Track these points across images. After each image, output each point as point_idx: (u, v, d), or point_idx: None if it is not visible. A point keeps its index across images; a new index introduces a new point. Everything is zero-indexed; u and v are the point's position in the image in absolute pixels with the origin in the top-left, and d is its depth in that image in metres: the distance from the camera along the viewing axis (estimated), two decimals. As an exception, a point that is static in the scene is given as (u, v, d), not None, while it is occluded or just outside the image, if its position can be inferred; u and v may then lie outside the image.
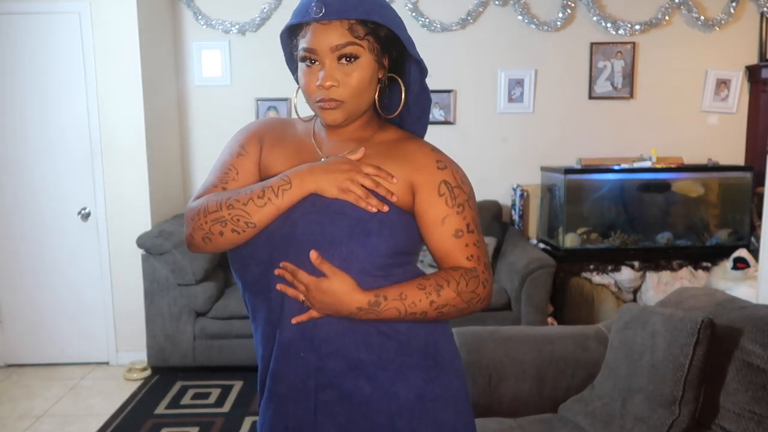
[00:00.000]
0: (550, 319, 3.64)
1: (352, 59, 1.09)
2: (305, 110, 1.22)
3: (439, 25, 4.12)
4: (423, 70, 1.18)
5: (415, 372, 1.12)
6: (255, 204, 1.10)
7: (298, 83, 1.17)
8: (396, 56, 1.17)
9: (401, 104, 1.18)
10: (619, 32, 4.16)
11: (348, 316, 1.08)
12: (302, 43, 1.11)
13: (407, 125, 1.23)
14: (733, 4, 4.15)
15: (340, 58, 1.09)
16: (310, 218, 1.10)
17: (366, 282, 1.08)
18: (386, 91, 1.19)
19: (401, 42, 1.13)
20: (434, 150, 1.17)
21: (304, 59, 1.11)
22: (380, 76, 1.15)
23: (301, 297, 1.09)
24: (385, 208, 1.09)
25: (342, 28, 1.07)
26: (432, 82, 4.35)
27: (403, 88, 1.17)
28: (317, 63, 1.10)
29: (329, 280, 1.06)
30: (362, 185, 1.09)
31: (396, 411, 1.10)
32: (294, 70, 1.20)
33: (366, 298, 1.07)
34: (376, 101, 1.16)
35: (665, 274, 3.85)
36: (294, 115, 1.31)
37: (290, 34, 1.19)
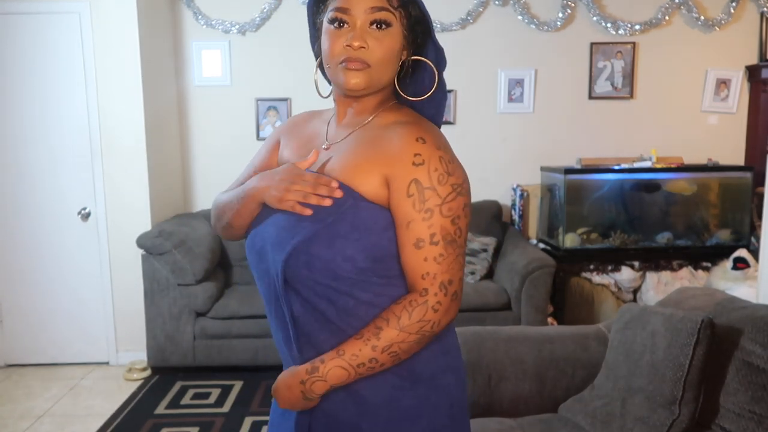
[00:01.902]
0: (550, 319, 3.64)
1: (384, 26, 1.05)
2: (324, 87, 1.19)
3: (439, 25, 4.12)
4: (441, 63, 1.12)
5: (386, 378, 1.07)
6: (230, 207, 1.16)
7: (317, 57, 1.14)
8: (420, 42, 1.12)
9: (435, 86, 1.11)
10: (619, 32, 4.16)
11: (307, 399, 1.05)
12: (334, 3, 1.07)
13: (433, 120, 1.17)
14: (733, 4, 4.15)
15: (372, 23, 1.05)
16: (277, 221, 1.08)
17: (337, 297, 1.04)
18: (409, 74, 1.14)
19: (427, 29, 1.10)
20: (419, 140, 1.03)
21: (333, 21, 1.07)
22: (403, 58, 1.11)
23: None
24: (307, 212, 1.03)
25: None
26: (432, 82, 4.19)
27: (436, 72, 1.11)
28: (347, 26, 1.06)
29: (276, 381, 1.09)
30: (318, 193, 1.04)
31: (362, 413, 1.08)
32: (315, 41, 1.16)
33: (303, 369, 1.05)
34: (396, 83, 1.12)
35: (665, 274, 3.85)
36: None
37: (317, 2, 1.15)
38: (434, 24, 4.06)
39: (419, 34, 1.11)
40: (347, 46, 1.05)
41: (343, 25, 1.06)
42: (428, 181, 1.01)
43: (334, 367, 1.03)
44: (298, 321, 1.08)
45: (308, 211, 1.03)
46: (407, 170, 1.02)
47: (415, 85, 1.15)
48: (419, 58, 1.12)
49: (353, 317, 1.05)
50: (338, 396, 1.07)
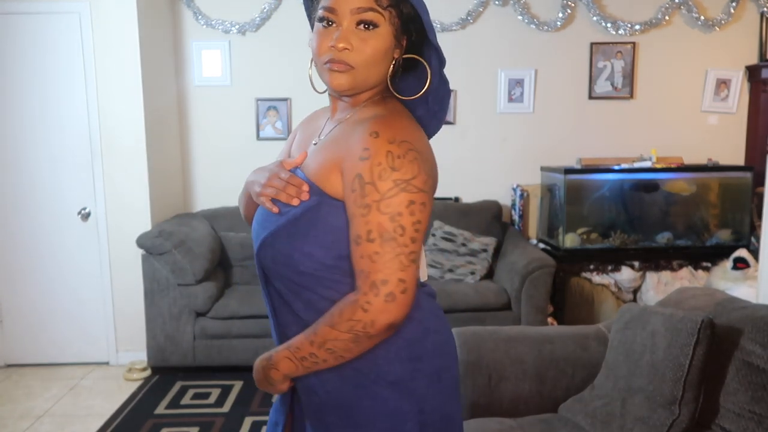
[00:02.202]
0: (550, 319, 3.64)
1: (371, 26, 1.05)
2: (320, 83, 1.18)
3: (439, 25, 4.12)
4: (441, 61, 1.10)
5: (350, 375, 1.08)
6: (240, 197, 1.27)
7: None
8: (415, 41, 1.11)
9: (427, 85, 1.10)
10: (619, 32, 4.16)
11: (270, 384, 1.11)
12: (323, 2, 1.08)
13: (424, 119, 1.14)
14: (733, 4, 4.15)
15: (359, 23, 1.05)
16: (257, 216, 1.15)
17: (302, 291, 1.07)
18: (399, 73, 1.13)
19: (422, 27, 1.08)
20: (372, 134, 1.02)
21: (321, 19, 1.07)
22: (396, 56, 1.10)
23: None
24: (275, 209, 1.08)
25: None
26: (432, 82, 4.17)
27: (429, 71, 1.10)
28: (334, 25, 1.06)
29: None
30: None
31: (326, 404, 1.10)
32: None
33: (267, 355, 1.11)
34: (389, 81, 1.11)
35: (665, 274, 3.85)
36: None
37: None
38: (434, 24, 4.10)
39: (413, 32, 1.10)
40: (332, 46, 1.05)
41: (331, 24, 1.06)
42: (369, 176, 0.99)
43: (283, 357, 1.07)
44: (276, 313, 1.13)
45: (275, 209, 1.08)
46: (354, 165, 1.01)
47: (419, 83, 1.13)
48: (413, 56, 1.12)
49: (317, 312, 1.06)
50: (310, 384, 1.10)
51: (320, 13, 1.07)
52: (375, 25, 1.05)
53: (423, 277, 1.19)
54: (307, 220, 1.05)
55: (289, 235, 1.05)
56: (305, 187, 1.06)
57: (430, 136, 1.16)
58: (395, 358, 1.08)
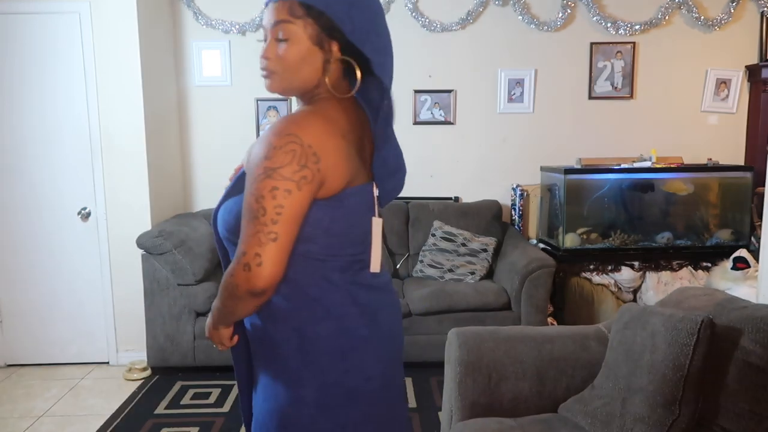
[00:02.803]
0: (550, 319, 3.64)
1: (285, 37, 1.19)
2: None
3: (439, 25, 4.12)
4: (374, 65, 1.20)
5: (256, 319, 1.30)
6: None
7: None
8: (351, 44, 1.20)
9: (358, 83, 1.22)
10: (619, 32, 4.16)
11: (219, 335, 1.37)
12: None
13: (374, 132, 1.26)
14: (733, 4, 4.15)
15: (276, 36, 1.20)
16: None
17: (228, 255, 1.31)
18: (341, 74, 1.24)
19: (342, 33, 1.19)
20: (269, 127, 1.18)
21: (263, 38, 1.26)
22: (327, 59, 1.21)
23: None
24: (225, 183, 1.32)
25: (282, 8, 1.18)
26: (432, 82, 4.34)
27: (357, 70, 1.21)
28: (265, 40, 1.24)
29: None
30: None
31: (250, 338, 1.36)
32: None
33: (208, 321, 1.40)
34: (327, 83, 1.22)
35: (665, 274, 3.85)
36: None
37: None
38: (434, 24, 4.11)
39: (341, 38, 1.20)
40: (260, 58, 1.23)
41: (265, 40, 1.24)
42: (251, 162, 1.16)
43: (212, 309, 1.33)
44: None
45: (226, 183, 1.34)
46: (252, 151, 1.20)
47: (368, 93, 1.27)
48: (348, 59, 1.21)
49: None
50: (247, 326, 1.35)
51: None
52: (288, 36, 1.19)
53: (374, 269, 1.30)
54: (234, 189, 1.25)
55: (223, 200, 1.27)
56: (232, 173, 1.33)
57: (379, 128, 1.26)
58: (289, 328, 1.25)
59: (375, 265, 1.31)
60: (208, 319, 1.35)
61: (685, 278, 3.84)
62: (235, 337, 1.35)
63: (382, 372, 1.31)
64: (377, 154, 1.27)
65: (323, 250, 1.22)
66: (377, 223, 1.29)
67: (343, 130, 1.21)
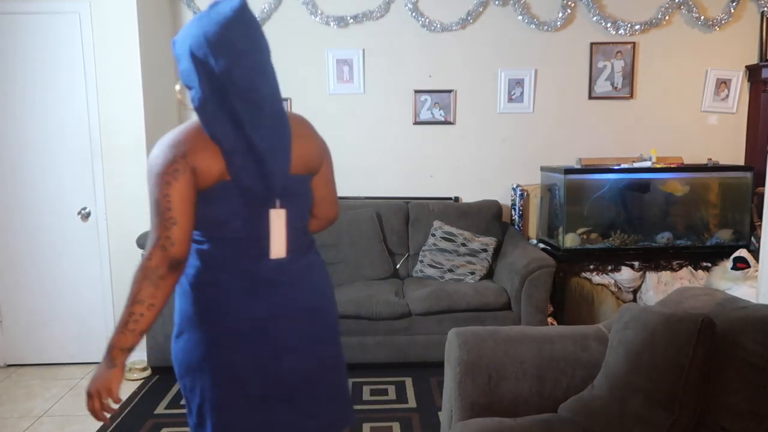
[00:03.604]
0: (550, 319, 3.64)
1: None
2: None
3: (439, 25, 4.12)
4: (184, 83, 1.53)
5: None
6: None
7: None
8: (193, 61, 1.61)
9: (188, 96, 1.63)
10: (619, 32, 4.16)
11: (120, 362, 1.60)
12: None
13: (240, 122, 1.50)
14: (733, 4, 4.15)
15: None
16: None
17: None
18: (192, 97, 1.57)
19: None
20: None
21: None
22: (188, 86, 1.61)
23: None
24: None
25: None
26: (432, 82, 4.34)
27: (178, 85, 1.57)
28: None
29: None
30: None
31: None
32: None
33: (98, 367, 1.67)
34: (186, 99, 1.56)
35: (665, 274, 3.85)
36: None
37: None
38: (434, 24, 4.12)
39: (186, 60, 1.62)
40: None
41: None
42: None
43: (115, 338, 1.59)
44: None
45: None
46: None
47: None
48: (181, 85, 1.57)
49: None
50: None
51: None
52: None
53: (273, 255, 1.55)
54: None
55: None
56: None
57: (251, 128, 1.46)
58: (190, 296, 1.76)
59: (276, 251, 1.55)
60: (109, 347, 1.52)
61: (685, 278, 3.84)
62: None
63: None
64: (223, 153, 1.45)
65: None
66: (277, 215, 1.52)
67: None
